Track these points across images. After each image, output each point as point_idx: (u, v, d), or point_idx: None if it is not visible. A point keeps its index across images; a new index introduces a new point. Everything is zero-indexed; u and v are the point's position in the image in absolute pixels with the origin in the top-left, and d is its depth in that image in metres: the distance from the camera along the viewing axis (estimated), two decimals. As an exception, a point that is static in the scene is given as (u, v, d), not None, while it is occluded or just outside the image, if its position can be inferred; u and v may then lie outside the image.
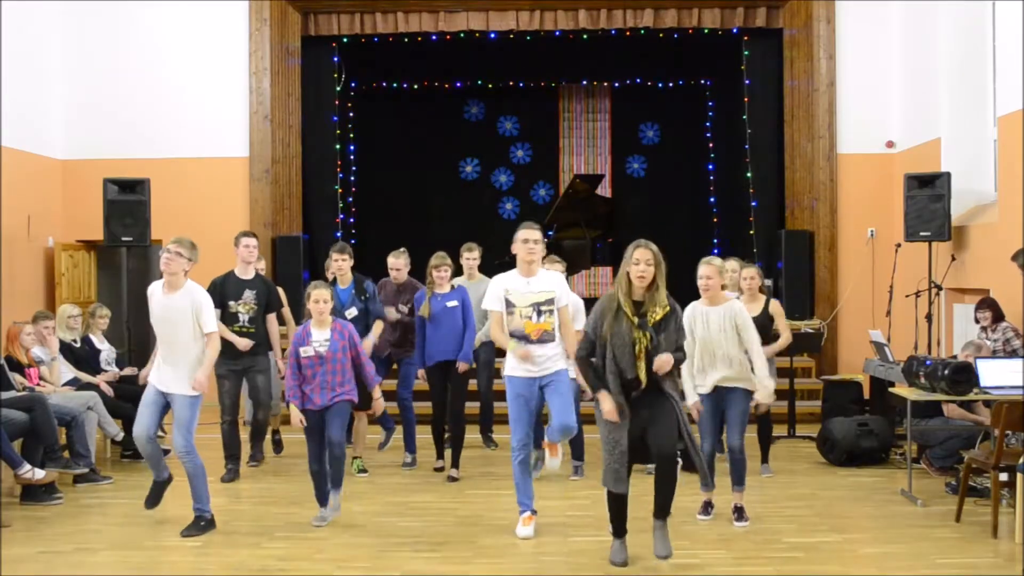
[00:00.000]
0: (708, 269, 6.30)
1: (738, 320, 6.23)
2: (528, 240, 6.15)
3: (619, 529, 5.58)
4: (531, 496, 6.20)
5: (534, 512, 6.20)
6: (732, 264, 8.00)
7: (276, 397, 8.57)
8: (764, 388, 6.25)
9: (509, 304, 6.17)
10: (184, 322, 6.11)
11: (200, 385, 6.11)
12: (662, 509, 5.52)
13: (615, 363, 5.37)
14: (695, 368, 6.29)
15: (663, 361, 5.33)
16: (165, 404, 6.27)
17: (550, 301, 6.14)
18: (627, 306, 5.37)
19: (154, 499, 6.47)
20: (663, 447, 5.39)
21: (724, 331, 6.22)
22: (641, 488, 6.86)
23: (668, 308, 5.39)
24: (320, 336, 6.33)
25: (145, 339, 9.76)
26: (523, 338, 6.12)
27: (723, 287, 6.48)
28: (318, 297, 6.32)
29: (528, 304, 6.12)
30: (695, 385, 6.28)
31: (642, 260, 5.35)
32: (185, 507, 6.60)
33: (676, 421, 5.40)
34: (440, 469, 7.82)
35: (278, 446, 8.63)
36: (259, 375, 7.90)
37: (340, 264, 7.92)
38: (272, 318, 7.94)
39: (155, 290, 6.29)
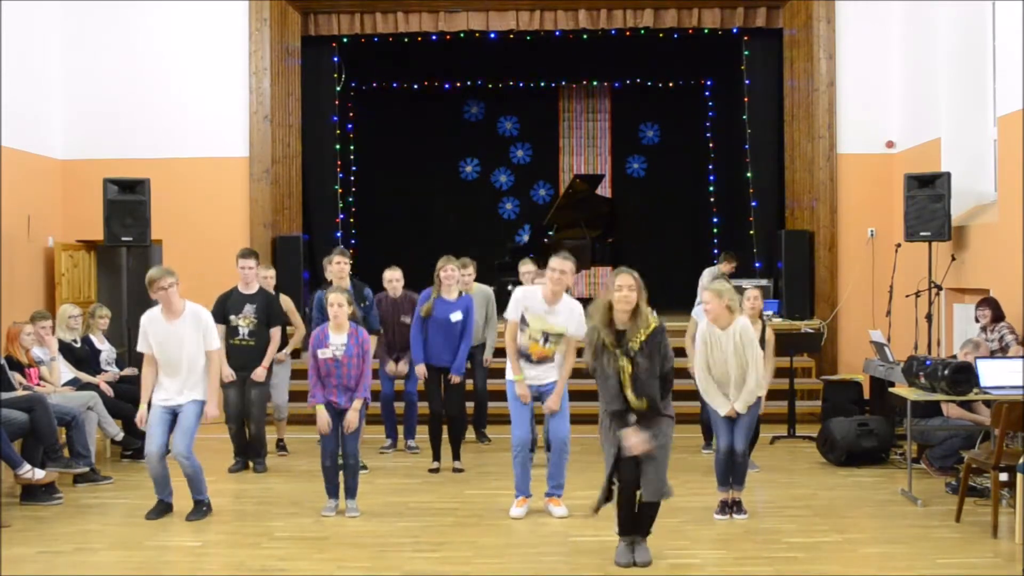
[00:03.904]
0: (706, 295, 6.42)
1: (743, 337, 6.31)
2: (555, 269, 6.37)
3: (624, 528, 5.56)
4: (528, 483, 6.58)
5: (528, 496, 6.57)
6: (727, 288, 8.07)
7: (282, 402, 8.63)
8: (743, 401, 6.36)
9: (523, 321, 6.44)
10: (193, 342, 6.46)
11: (212, 416, 6.59)
12: (642, 529, 5.57)
13: (609, 402, 5.41)
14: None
15: (633, 444, 5.33)
16: (172, 420, 6.52)
17: (560, 335, 6.43)
18: (608, 337, 5.40)
19: (156, 514, 6.59)
20: (649, 492, 5.43)
21: (736, 352, 6.31)
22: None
23: (653, 326, 5.39)
24: (337, 340, 6.47)
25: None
26: (524, 355, 6.46)
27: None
28: (333, 301, 6.48)
29: (540, 330, 6.42)
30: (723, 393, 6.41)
31: (624, 286, 5.39)
32: (183, 507, 6.61)
33: (663, 465, 5.44)
34: (435, 470, 7.88)
35: (282, 449, 8.65)
36: (254, 388, 7.97)
37: (341, 267, 8.06)
38: (274, 332, 8.02)
39: (154, 317, 6.54)
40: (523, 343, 6.44)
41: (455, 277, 7.86)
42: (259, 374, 7.91)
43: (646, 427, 5.38)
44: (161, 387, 6.51)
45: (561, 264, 6.36)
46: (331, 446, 6.55)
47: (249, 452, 8.07)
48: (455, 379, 7.81)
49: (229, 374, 7.72)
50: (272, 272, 8.81)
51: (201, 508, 6.57)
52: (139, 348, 6.58)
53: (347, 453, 6.56)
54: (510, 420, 6.61)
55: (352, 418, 6.46)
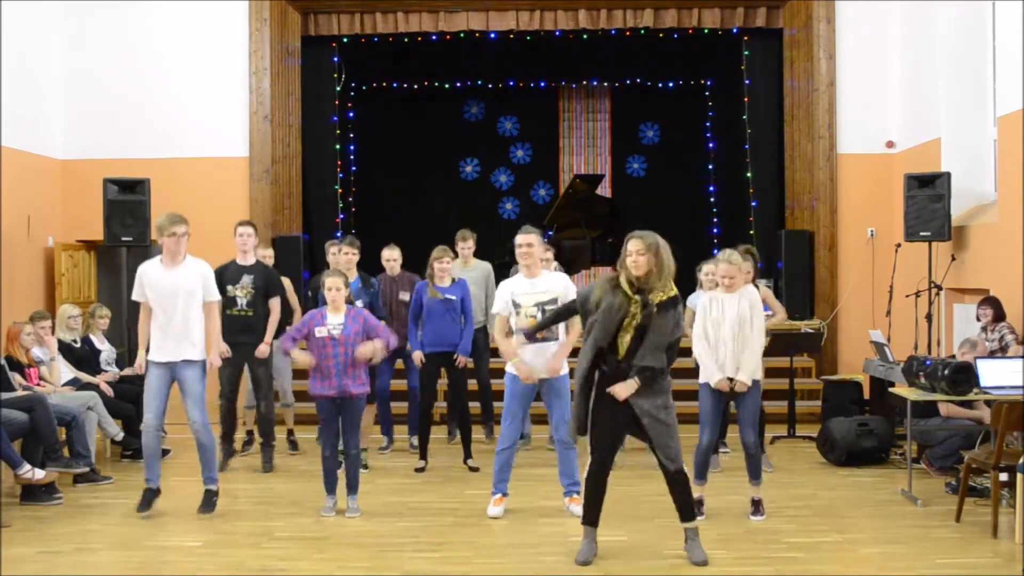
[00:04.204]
0: (729, 268, 6.35)
1: (752, 302, 6.33)
2: (521, 245, 6.45)
3: (589, 515, 5.56)
4: (506, 482, 6.57)
5: (505, 494, 6.56)
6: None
7: (287, 388, 8.64)
8: (746, 372, 6.30)
9: (516, 305, 6.44)
10: (194, 292, 6.45)
11: (214, 364, 6.67)
12: (685, 514, 5.55)
13: (596, 331, 5.35)
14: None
15: (621, 388, 5.34)
16: (168, 386, 6.48)
17: (554, 300, 6.37)
18: (625, 284, 5.34)
19: (146, 505, 6.59)
20: (670, 464, 5.43)
21: (739, 315, 6.31)
22: (644, 488, 6.88)
23: (673, 294, 5.35)
24: (334, 320, 6.50)
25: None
26: (527, 336, 6.32)
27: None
28: (331, 285, 6.52)
29: (533, 304, 6.39)
30: (716, 362, 6.37)
31: (633, 251, 5.34)
32: (183, 507, 6.62)
33: (674, 430, 5.41)
34: (421, 470, 7.87)
35: (294, 446, 8.67)
36: (260, 367, 7.95)
37: (349, 257, 8.08)
38: (274, 303, 7.97)
39: (152, 267, 6.52)
40: (523, 326, 6.36)
41: (448, 270, 7.91)
42: (262, 351, 7.87)
43: (647, 394, 5.35)
44: (156, 343, 6.45)
45: (525, 239, 6.42)
46: (331, 437, 6.57)
47: (259, 431, 8.06)
48: (462, 360, 7.79)
49: (226, 350, 7.53)
50: (270, 251, 8.83)
51: (211, 500, 6.58)
52: (134, 296, 6.54)
53: (348, 444, 6.56)
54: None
55: (367, 349, 6.45)
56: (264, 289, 7.93)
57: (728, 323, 6.34)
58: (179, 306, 6.42)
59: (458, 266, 8.50)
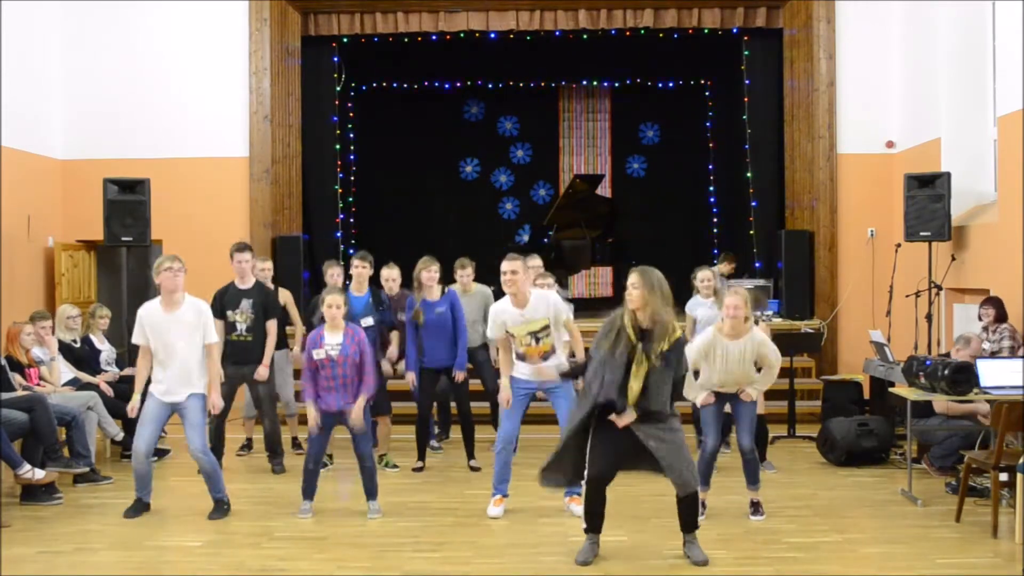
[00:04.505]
0: (737, 299, 6.26)
1: (761, 350, 6.30)
2: (505, 272, 6.40)
3: (591, 523, 5.60)
4: (507, 482, 6.63)
5: (505, 495, 6.62)
6: (706, 273, 8.21)
7: (289, 397, 8.64)
8: (755, 389, 6.36)
9: (510, 336, 6.47)
10: (193, 334, 6.48)
11: (216, 406, 6.64)
12: (687, 527, 5.61)
13: (602, 389, 5.38)
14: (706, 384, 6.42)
15: (623, 420, 5.38)
16: (166, 417, 6.57)
17: (546, 328, 6.41)
18: (630, 328, 5.37)
19: (134, 512, 6.62)
20: (682, 484, 5.45)
21: (743, 362, 6.30)
22: (644, 488, 6.87)
23: (677, 336, 5.36)
24: (332, 340, 6.45)
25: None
26: (528, 361, 6.44)
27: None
28: (331, 302, 6.48)
29: (525, 333, 6.42)
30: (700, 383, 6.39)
31: (629, 284, 5.41)
32: (183, 507, 6.62)
33: (682, 456, 5.43)
34: (419, 469, 7.92)
35: (299, 447, 8.66)
36: (261, 385, 7.95)
37: (360, 271, 8.08)
38: (270, 325, 7.97)
39: (152, 309, 6.56)
40: (519, 351, 6.46)
41: (436, 279, 7.89)
42: (261, 373, 7.87)
43: (648, 420, 5.37)
44: (157, 380, 6.51)
45: (510, 265, 6.38)
46: (317, 449, 6.58)
47: (266, 447, 8.08)
48: (460, 376, 7.85)
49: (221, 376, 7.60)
50: (269, 264, 8.81)
51: (222, 507, 6.61)
52: (134, 339, 6.58)
53: (362, 455, 6.56)
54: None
55: (358, 416, 6.42)
56: (264, 313, 7.93)
57: (731, 368, 6.27)
58: (179, 347, 6.46)
59: (457, 293, 8.47)
